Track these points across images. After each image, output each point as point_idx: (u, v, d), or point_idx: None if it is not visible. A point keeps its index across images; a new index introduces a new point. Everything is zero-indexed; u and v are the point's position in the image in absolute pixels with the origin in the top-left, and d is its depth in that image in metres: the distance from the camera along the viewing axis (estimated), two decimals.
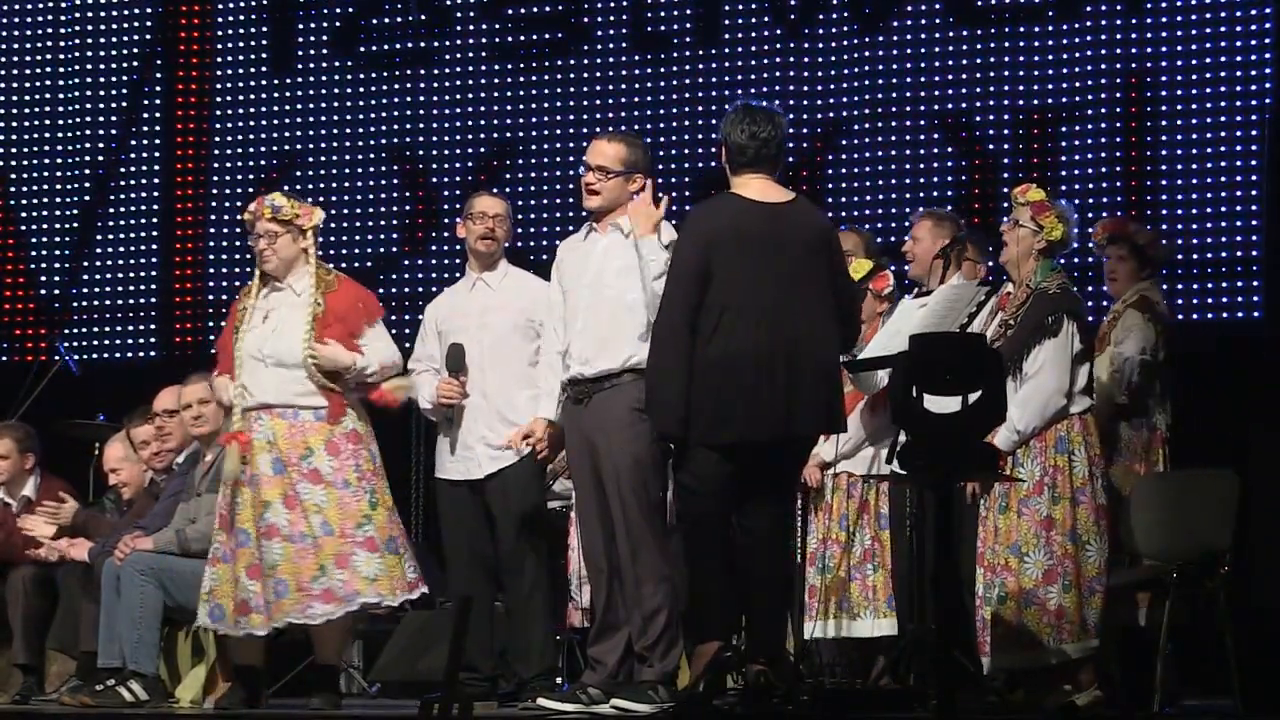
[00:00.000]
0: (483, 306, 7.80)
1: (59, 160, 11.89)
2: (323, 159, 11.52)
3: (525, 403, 7.65)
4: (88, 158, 11.83)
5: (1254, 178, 9.78)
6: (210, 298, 11.46)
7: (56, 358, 10.83)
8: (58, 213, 11.86)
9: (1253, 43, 9.90)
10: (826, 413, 6.69)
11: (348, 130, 11.49)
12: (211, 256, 11.59)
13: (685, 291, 6.60)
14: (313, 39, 11.63)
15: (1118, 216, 8.86)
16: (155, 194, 11.74)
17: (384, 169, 11.45)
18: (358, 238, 11.39)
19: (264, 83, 11.67)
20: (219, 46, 11.75)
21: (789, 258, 6.61)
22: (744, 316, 6.54)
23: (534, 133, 11.17)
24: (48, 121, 11.92)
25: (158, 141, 11.78)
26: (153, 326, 11.63)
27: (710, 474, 6.57)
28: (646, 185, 7.11)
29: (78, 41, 11.92)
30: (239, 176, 11.62)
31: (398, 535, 7.55)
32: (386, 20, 11.55)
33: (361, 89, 11.49)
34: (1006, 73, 10.32)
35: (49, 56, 11.98)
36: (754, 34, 10.84)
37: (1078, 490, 7.08)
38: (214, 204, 11.61)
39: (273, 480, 7.42)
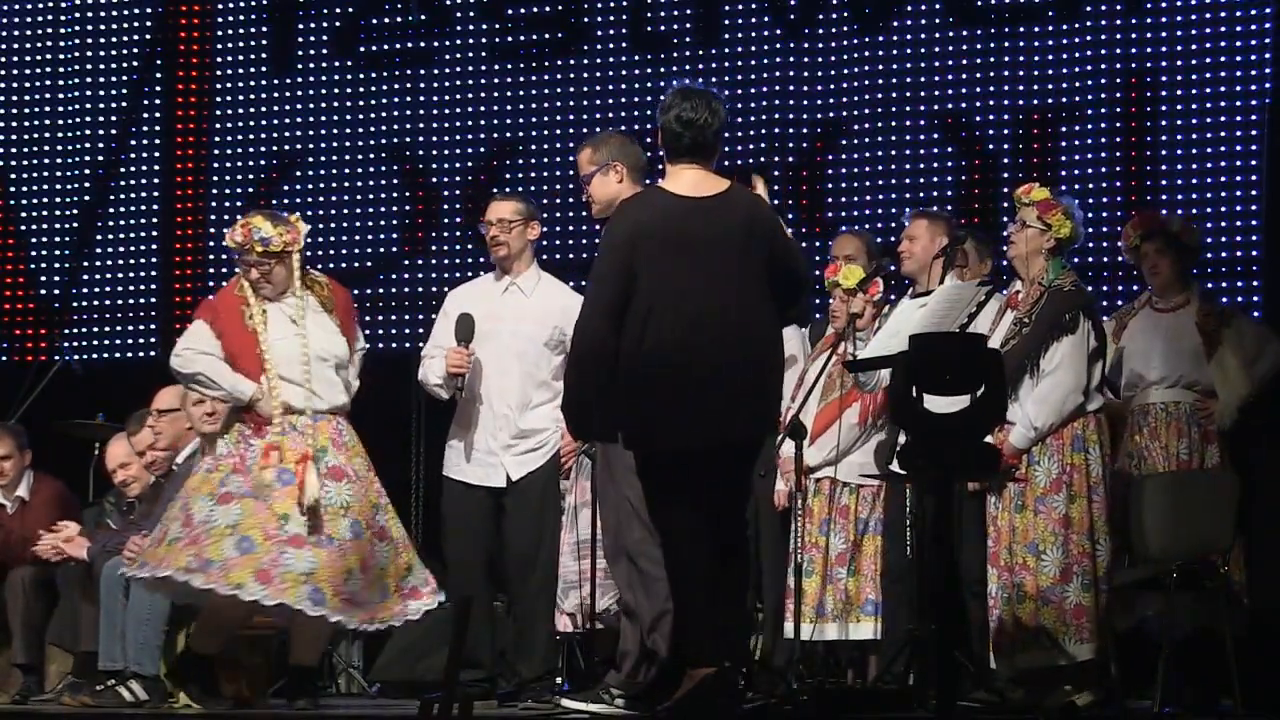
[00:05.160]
0: (516, 314, 7.83)
1: (59, 160, 11.87)
2: (323, 159, 11.51)
3: (545, 413, 7.74)
4: (88, 158, 11.81)
5: (1254, 178, 9.77)
6: (210, 298, 11.44)
7: (57, 357, 10.85)
8: (58, 213, 11.85)
9: (1253, 43, 9.89)
10: (764, 415, 6.48)
11: (348, 130, 11.48)
12: (211, 256, 11.58)
13: (608, 290, 6.37)
14: (313, 39, 11.62)
15: (1146, 212, 8.86)
16: (155, 194, 11.73)
17: (384, 169, 11.44)
18: (358, 238, 11.39)
19: (264, 83, 11.66)
20: (219, 46, 11.74)
21: (718, 255, 6.35)
22: (670, 320, 6.29)
23: (534, 133, 11.16)
24: (48, 121, 11.91)
25: (158, 141, 11.77)
26: (153, 326, 11.61)
27: (674, 480, 6.36)
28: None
29: (78, 41, 11.91)
30: (239, 176, 11.61)
31: None
32: (386, 20, 11.54)
33: (361, 89, 11.48)
34: (1006, 73, 10.31)
35: (49, 56, 11.97)
36: (754, 34, 10.83)
37: (1093, 488, 7.08)
38: (214, 204, 11.60)
39: (368, 481, 7.38)
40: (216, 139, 11.68)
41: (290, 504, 7.23)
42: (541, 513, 7.75)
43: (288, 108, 11.59)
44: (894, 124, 10.51)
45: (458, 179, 11.24)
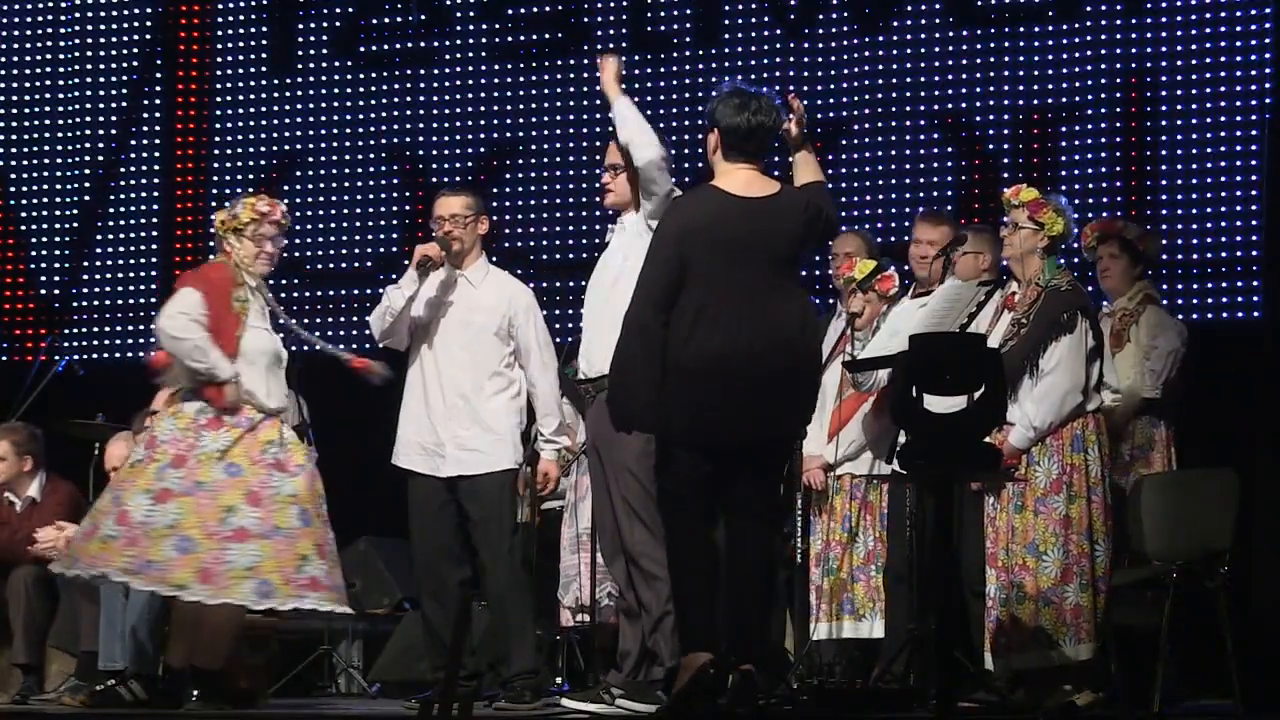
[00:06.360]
0: (466, 305, 7.76)
1: (59, 160, 11.89)
2: (323, 159, 11.52)
3: (501, 405, 7.66)
4: (88, 158, 11.83)
5: (1254, 178, 9.77)
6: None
7: (56, 356, 10.84)
8: (58, 213, 11.86)
9: (1253, 43, 9.90)
10: (799, 414, 6.54)
11: (348, 130, 11.49)
12: (211, 257, 11.57)
13: (659, 284, 6.40)
14: (313, 39, 11.63)
15: (1104, 217, 8.88)
16: (155, 194, 11.74)
17: (384, 169, 11.45)
18: (358, 238, 11.40)
19: (264, 83, 11.67)
20: (219, 46, 11.75)
21: (768, 257, 6.41)
22: (720, 320, 6.33)
23: (534, 133, 11.17)
24: (48, 121, 11.92)
25: (158, 141, 11.78)
26: (153, 326, 11.60)
27: (690, 478, 6.40)
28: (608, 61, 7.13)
29: (78, 41, 11.92)
30: (239, 176, 11.62)
31: None
32: (386, 20, 11.55)
33: (361, 89, 11.49)
34: (1006, 73, 10.32)
35: (49, 56, 11.98)
36: (754, 34, 10.84)
37: (1092, 488, 7.08)
38: (214, 204, 11.58)
39: (312, 473, 7.43)
40: (216, 139, 11.69)
41: (237, 496, 7.24)
42: (499, 513, 7.63)
43: (288, 108, 11.60)
44: (894, 124, 10.51)
45: (458, 179, 11.22)
